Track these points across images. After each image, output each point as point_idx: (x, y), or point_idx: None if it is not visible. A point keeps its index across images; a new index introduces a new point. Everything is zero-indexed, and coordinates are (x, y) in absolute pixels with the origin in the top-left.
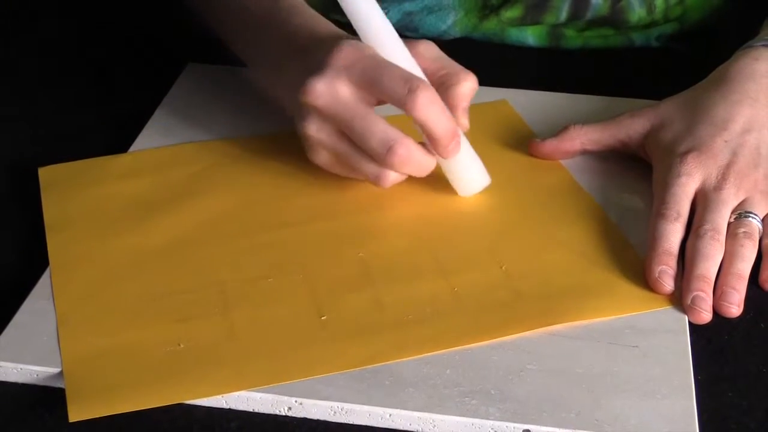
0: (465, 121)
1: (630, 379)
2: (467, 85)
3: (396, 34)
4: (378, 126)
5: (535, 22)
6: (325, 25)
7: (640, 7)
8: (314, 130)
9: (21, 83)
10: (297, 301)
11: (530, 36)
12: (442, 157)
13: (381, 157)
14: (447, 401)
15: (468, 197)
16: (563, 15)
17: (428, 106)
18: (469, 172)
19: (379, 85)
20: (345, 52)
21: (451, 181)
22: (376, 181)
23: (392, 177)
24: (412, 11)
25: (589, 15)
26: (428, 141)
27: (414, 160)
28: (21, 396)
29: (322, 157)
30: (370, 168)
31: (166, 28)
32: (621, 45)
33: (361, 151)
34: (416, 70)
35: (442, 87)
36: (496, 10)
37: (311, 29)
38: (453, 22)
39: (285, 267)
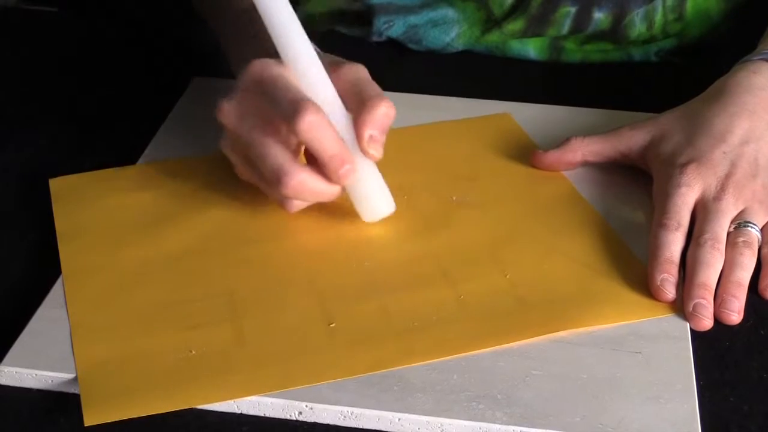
0: (374, 151)
1: (633, 385)
2: (378, 111)
3: (313, 53)
4: (271, 155)
5: (537, 35)
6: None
7: (641, 23)
8: (226, 148)
9: (33, 97)
10: (305, 308)
11: (531, 49)
12: (336, 183)
13: (274, 186)
14: (454, 406)
15: (474, 207)
16: (565, 29)
17: (313, 130)
18: (370, 199)
19: (271, 104)
20: (251, 72)
21: (354, 204)
22: (281, 205)
23: (296, 204)
24: (416, 24)
25: (591, 29)
26: (320, 166)
27: (308, 189)
28: (37, 401)
29: (244, 175)
30: (273, 193)
31: (173, 43)
32: (620, 59)
33: (263, 176)
34: (326, 91)
35: (357, 111)
36: (499, 23)
37: (258, 49)
38: (456, 35)
39: (292, 276)
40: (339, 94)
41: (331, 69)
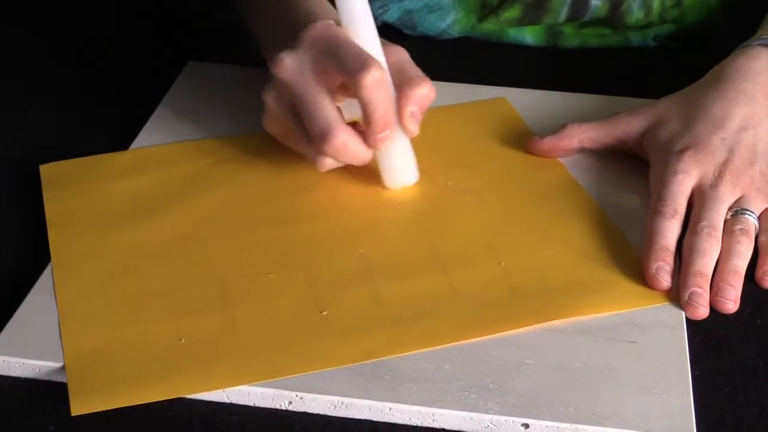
0: (412, 127)
1: (628, 374)
2: (421, 90)
3: (374, 27)
4: (323, 111)
5: (534, 23)
6: (323, 11)
7: (639, 10)
8: (273, 98)
9: (23, 81)
10: (297, 296)
11: (528, 35)
12: (371, 147)
13: (318, 142)
14: (446, 396)
15: (469, 194)
16: (562, 16)
17: (375, 87)
18: (398, 169)
19: (336, 58)
20: (315, 29)
21: (381, 171)
22: (313, 162)
23: (328, 163)
24: (412, 9)
25: (588, 16)
26: (365, 124)
27: (348, 150)
28: (23, 390)
29: (274, 127)
30: (309, 150)
31: (167, 27)
32: (618, 45)
33: (305, 131)
34: (381, 59)
35: (399, 89)
36: (495, 10)
37: (309, 16)
38: (452, 21)
39: (285, 263)
40: None
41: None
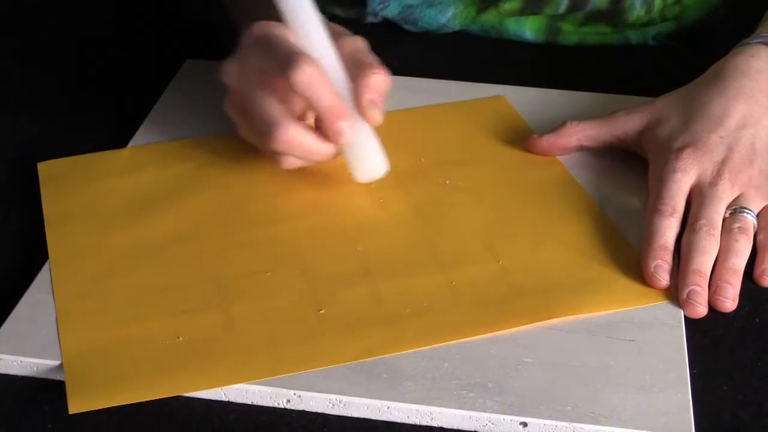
0: (374, 114)
1: (626, 373)
2: (376, 77)
3: (318, 18)
4: (267, 108)
5: (534, 13)
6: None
7: (640, 7)
8: (229, 107)
9: (20, 79)
10: (295, 294)
11: (528, 30)
12: (331, 141)
13: (266, 139)
14: (445, 394)
15: (468, 192)
16: (562, 7)
17: (309, 81)
18: (366, 160)
19: (270, 58)
20: (253, 31)
21: (348, 164)
22: (277, 161)
23: (291, 161)
24: (412, 4)
25: (589, 8)
26: (318, 122)
27: (300, 144)
28: (21, 388)
29: (242, 133)
30: (266, 148)
31: (165, 25)
32: (618, 43)
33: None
34: (328, 53)
35: (354, 78)
36: (495, 2)
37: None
38: (452, 15)
39: (283, 261)
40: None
41: (333, 38)
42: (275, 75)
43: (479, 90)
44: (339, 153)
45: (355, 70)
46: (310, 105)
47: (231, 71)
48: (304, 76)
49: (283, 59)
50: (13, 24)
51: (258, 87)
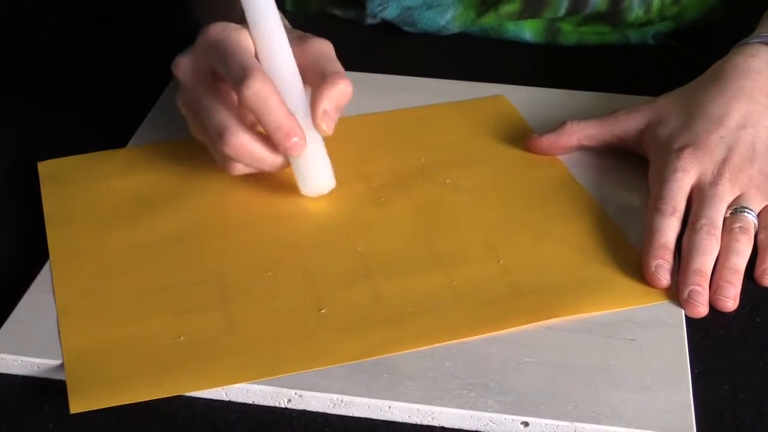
0: (324, 126)
1: (627, 372)
2: (337, 87)
3: (279, 23)
4: (218, 113)
5: (533, 17)
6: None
7: (639, 7)
8: (181, 103)
9: (20, 79)
10: (296, 294)
11: (527, 31)
12: (282, 154)
13: (215, 144)
14: (446, 394)
15: (468, 192)
16: (562, 10)
17: (259, 98)
18: (314, 174)
19: (222, 65)
20: (210, 32)
21: (295, 176)
22: (223, 166)
23: (239, 168)
24: (411, 6)
25: (588, 10)
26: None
27: (248, 152)
28: (22, 388)
29: (196, 133)
30: (215, 152)
31: (165, 24)
32: (617, 42)
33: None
34: (284, 62)
35: (315, 86)
36: (494, 4)
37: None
38: (452, 17)
39: (284, 261)
40: (300, 68)
41: (295, 43)
42: (227, 83)
43: (479, 89)
44: (287, 165)
45: (316, 78)
46: (258, 121)
47: (185, 67)
48: (253, 93)
49: (235, 72)
50: (13, 24)
51: (210, 90)
